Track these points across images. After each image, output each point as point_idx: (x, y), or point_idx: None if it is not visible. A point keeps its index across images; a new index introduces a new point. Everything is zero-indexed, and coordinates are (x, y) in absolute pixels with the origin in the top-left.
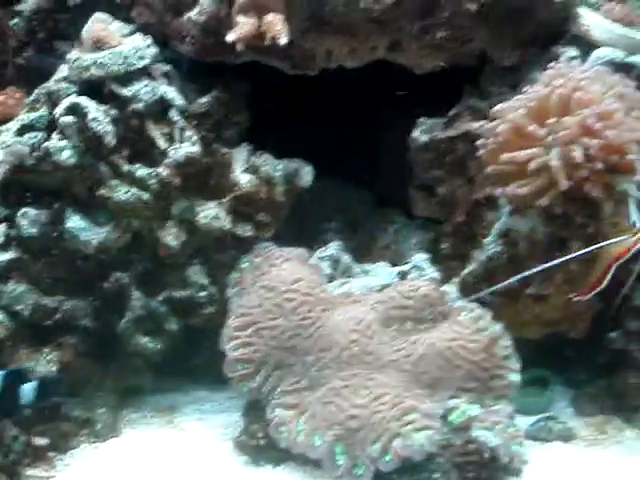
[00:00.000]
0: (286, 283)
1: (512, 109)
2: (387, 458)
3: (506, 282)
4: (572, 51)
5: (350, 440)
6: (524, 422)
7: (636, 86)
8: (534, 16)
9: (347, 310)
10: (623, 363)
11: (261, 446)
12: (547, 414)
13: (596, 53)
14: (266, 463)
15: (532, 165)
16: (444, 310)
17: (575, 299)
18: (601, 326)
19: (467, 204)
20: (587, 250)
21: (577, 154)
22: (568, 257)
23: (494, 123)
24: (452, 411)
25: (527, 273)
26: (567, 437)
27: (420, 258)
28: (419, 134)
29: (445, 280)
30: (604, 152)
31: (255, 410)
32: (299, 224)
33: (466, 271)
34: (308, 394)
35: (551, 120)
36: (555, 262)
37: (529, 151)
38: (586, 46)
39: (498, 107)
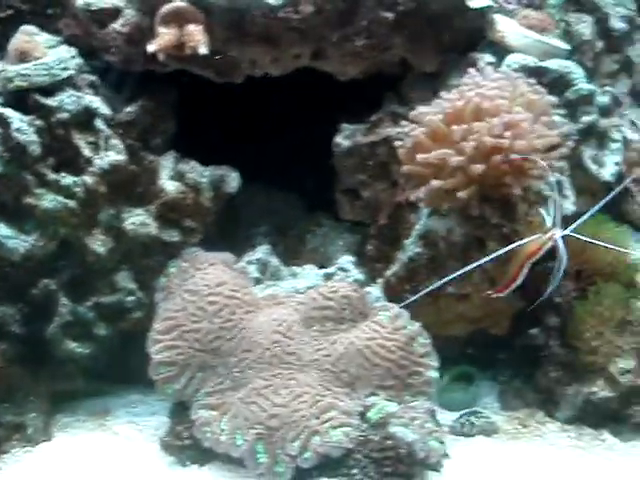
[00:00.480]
0: (209, 286)
1: (429, 114)
2: (306, 455)
3: (434, 285)
4: (489, 57)
5: (271, 439)
6: (449, 418)
7: (549, 90)
8: (451, 24)
9: (270, 312)
10: (544, 358)
11: (186, 446)
12: (471, 409)
13: (510, 59)
14: (192, 463)
15: (452, 162)
16: (364, 310)
17: (493, 296)
18: (523, 323)
19: (389, 207)
20: (503, 250)
21: (483, 150)
22: (487, 258)
23: (411, 127)
24: (370, 408)
25: (454, 275)
26: (490, 431)
27: (345, 260)
28: (342, 139)
29: (370, 281)
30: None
31: (180, 411)
32: (230, 229)
33: (389, 272)
34: (231, 394)
35: (464, 126)
36: (476, 263)
37: (441, 151)
38: (502, 52)
39: (416, 112)
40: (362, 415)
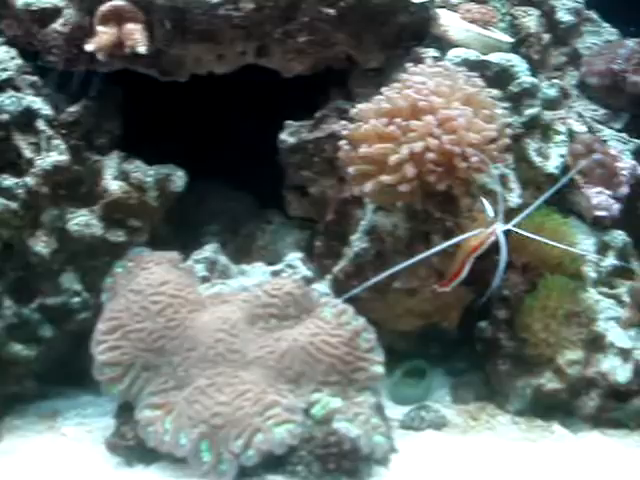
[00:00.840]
0: (153, 286)
1: (369, 111)
2: (249, 453)
3: (375, 279)
4: (433, 52)
5: (214, 437)
6: (401, 412)
7: (492, 83)
8: (396, 18)
9: (215, 310)
10: (493, 351)
11: (132, 447)
12: (422, 404)
13: (451, 53)
14: (138, 463)
15: (392, 159)
16: (308, 307)
17: (438, 290)
18: (473, 316)
19: (336, 203)
20: (444, 245)
21: (417, 147)
22: (430, 252)
23: (352, 124)
24: (314, 404)
25: (395, 269)
26: (439, 425)
27: (293, 257)
28: (287, 136)
29: (319, 277)
30: (446, 154)
31: (126, 412)
32: (181, 228)
33: (337, 268)
34: (175, 394)
35: (403, 122)
36: (418, 257)
37: (382, 146)
38: (446, 46)
39: (356, 108)
40: (306, 411)
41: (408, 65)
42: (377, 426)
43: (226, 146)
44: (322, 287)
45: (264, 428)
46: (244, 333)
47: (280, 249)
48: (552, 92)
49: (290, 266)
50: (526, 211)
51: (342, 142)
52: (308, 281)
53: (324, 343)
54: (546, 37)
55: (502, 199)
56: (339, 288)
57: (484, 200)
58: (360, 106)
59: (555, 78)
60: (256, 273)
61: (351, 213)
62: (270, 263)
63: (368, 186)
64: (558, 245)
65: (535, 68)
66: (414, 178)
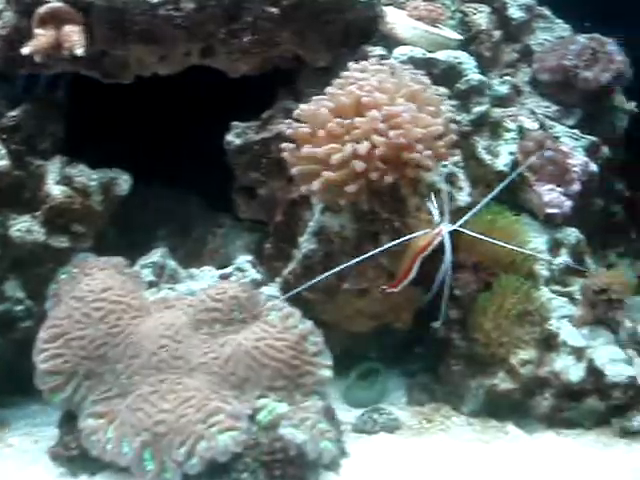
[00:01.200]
0: (95, 292)
1: (311, 110)
2: (193, 461)
3: (317, 279)
4: (380, 50)
5: (158, 445)
6: (354, 415)
7: (439, 81)
8: (342, 16)
9: (159, 316)
10: (447, 351)
11: (75, 456)
12: (374, 406)
13: (397, 51)
14: (82, 473)
15: (335, 158)
16: (254, 310)
17: (387, 291)
18: (426, 316)
19: (285, 204)
20: (388, 246)
21: (362, 147)
22: (374, 252)
23: (296, 124)
24: (260, 410)
25: (338, 269)
26: (392, 428)
27: (243, 260)
28: (233, 137)
29: (269, 280)
30: (392, 150)
31: (69, 421)
32: (130, 233)
33: (287, 270)
34: (118, 402)
35: (347, 121)
36: (362, 257)
37: (326, 146)
38: (394, 44)
39: (300, 109)
40: (252, 417)
41: (350, 63)
42: (325, 431)
43: (178, 148)
44: (271, 290)
45: (207, 435)
46: (188, 339)
47: (231, 252)
48: (503, 89)
49: (239, 269)
50: (473, 210)
51: (285, 143)
52: (257, 284)
53: (269, 347)
54: (497, 34)
55: (448, 198)
56: (289, 290)
57: (431, 200)
58: (303, 106)
59: (507, 75)
60: (205, 277)
61: (299, 214)
62: (221, 267)
63: (315, 184)
64: (504, 245)
65: (486, 65)
66: (362, 174)
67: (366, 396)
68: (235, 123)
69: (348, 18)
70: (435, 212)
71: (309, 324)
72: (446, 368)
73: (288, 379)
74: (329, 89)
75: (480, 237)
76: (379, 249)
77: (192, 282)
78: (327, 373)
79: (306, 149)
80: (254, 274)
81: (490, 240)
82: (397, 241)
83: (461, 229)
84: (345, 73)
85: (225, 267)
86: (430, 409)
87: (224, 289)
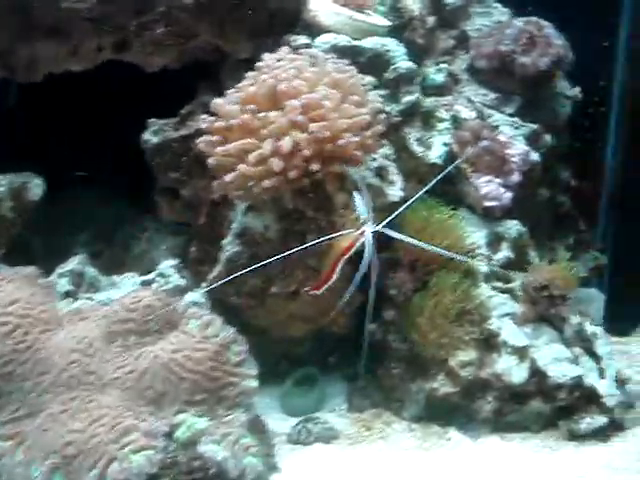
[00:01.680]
0: (0, 306)
1: (227, 103)
2: None
3: (227, 279)
4: (303, 39)
5: (68, 468)
6: (289, 425)
7: (366, 70)
8: (264, 5)
9: (72, 329)
10: (385, 354)
11: None
12: (308, 416)
13: (320, 39)
14: None
15: (252, 156)
16: (172, 319)
17: (310, 293)
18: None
19: (208, 205)
20: (303, 247)
21: (285, 145)
22: (287, 253)
23: (210, 119)
24: (178, 426)
25: (243, 272)
26: (328, 437)
27: (166, 265)
28: (150, 135)
29: (194, 285)
30: (316, 144)
31: None
32: (48, 238)
33: (212, 274)
34: (27, 423)
35: (262, 113)
36: (270, 260)
37: (240, 142)
38: (318, 33)
39: (214, 102)
40: (170, 435)
41: (266, 53)
42: (249, 446)
43: (99, 148)
44: (196, 296)
45: (120, 456)
46: (101, 352)
47: (156, 257)
48: (439, 78)
49: (162, 275)
50: (399, 209)
51: (201, 138)
52: (181, 290)
53: (187, 359)
54: (431, 20)
55: (368, 196)
56: (214, 296)
57: (356, 196)
58: (217, 100)
59: (443, 63)
60: (127, 284)
61: (223, 215)
62: (146, 273)
63: (229, 177)
64: (434, 248)
65: (421, 53)
66: (281, 172)
67: (303, 404)
68: (152, 120)
69: (271, 7)
70: (360, 210)
71: (231, 332)
72: (385, 372)
73: (208, 392)
74: (242, 81)
75: (405, 238)
76: (296, 249)
77: (114, 290)
78: (252, 384)
79: (220, 148)
80: (177, 280)
81: (413, 241)
82: (316, 241)
83: (386, 230)
84: (259, 64)
85: (150, 273)
86: (371, 415)
87: (138, 298)
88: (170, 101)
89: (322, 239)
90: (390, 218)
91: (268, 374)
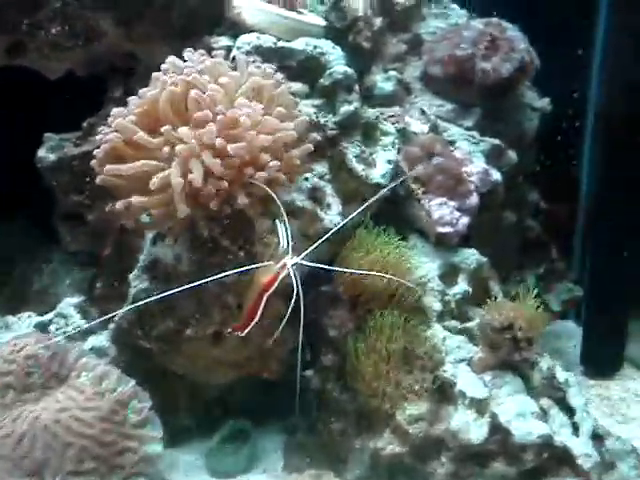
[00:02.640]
0: None
1: (121, 115)
2: None
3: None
4: (225, 40)
5: None
6: None
7: (296, 75)
8: (183, 2)
9: None
10: (324, 405)
11: None
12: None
13: (241, 40)
14: None
15: (154, 182)
16: (60, 372)
17: (233, 334)
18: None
19: (115, 232)
20: (214, 277)
21: (196, 176)
22: (192, 284)
23: (106, 131)
24: None
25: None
26: None
27: (67, 303)
28: (46, 152)
29: (99, 327)
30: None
31: None
32: None
33: (119, 315)
34: None
35: (166, 127)
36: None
37: (138, 163)
38: (243, 32)
39: (112, 113)
40: None
41: (168, 59)
42: None
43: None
44: (99, 340)
45: None
46: None
47: (60, 292)
48: (388, 86)
49: (61, 315)
50: (324, 237)
51: (96, 151)
52: (83, 333)
53: (75, 420)
54: (379, 21)
55: (286, 225)
56: (123, 339)
57: (279, 224)
58: (115, 110)
59: (393, 70)
60: (22, 326)
61: (131, 244)
62: (49, 311)
63: (119, 204)
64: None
65: (367, 59)
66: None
67: (233, 463)
68: (48, 135)
69: (190, 4)
70: (283, 239)
71: (130, 385)
72: (324, 425)
73: (99, 460)
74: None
75: (332, 268)
76: (204, 280)
77: (7, 334)
78: (155, 448)
79: (110, 167)
80: (79, 320)
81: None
82: (225, 273)
83: (307, 263)
84: (164, 65)
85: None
86: (310, 477)
87: (19, 346)
88: (79, 113)
89: (235, 271)
90: (313, 247)
91: (191, 427)
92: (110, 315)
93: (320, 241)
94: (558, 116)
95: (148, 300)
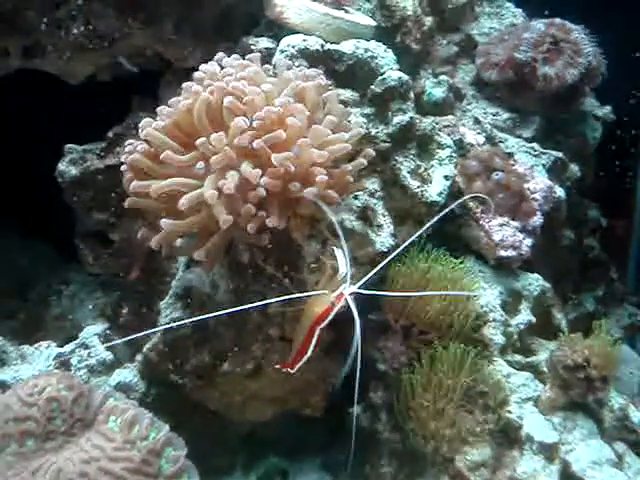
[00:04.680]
0: None
1: (151, 126)
2: None
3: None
4: (266, 42)
5: None
6: None
7: (342, 81)
8: (217, 2)
9: None
10: (373, 446)
11: None
12: None
13: (285, 42)
14: None
15: (183, 202)
16: (85, 416)
17: (283, 371)
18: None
19: (143, 254)
20: (255, 305)
21: (228, 183)
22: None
23: (135, 144)
24: None
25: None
26: None
27: (90, 332)
28: (67, 165)
29: (126, 359)
30: (278, 179)
31: None
32: None
33: (148, 345)
34: None
35: (201, 139)
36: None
37: (168, 181)
38: (284, 34)
39: (142, 122)
40: None
41: (202, 66)
42: None
43: (8, 181)
44: (126, 374)
45: None
46: None
47: (80, 319)
48: (438, 92)
49: (84, 346)
50: (385, 260)
51: (123, 167)
52: (107, 367)
53: (104, 472)
54: (429, 21)
55: (344, 249)
56: (152, 374)
57: (336, 249)
58: (145, 120)
59: (443, 74)
60: (40, 358)
61: (163, 268)
62: (67, 340)
63: (164, 223)
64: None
65: (415, 62)
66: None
67: None
68: (70, 146)
69: (225, 2)
70: (341, 266)
71: (164, 431)
72: (373, 469)
73: None
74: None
75: (397, 295)
76: (243, 307)
77: (23, 365)
78: None
79: (137, 184)
80: (103, 352)
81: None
82: (273, 300)
83: (366, 292)
84: (197, 74)
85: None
86: None
87: (40, 387)
88: (103, 122)
89: (285, 298)
90: (372, 273)
91: (225, 466)
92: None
93: (378, 267)
94: (615, 125)
95: (179, 323)
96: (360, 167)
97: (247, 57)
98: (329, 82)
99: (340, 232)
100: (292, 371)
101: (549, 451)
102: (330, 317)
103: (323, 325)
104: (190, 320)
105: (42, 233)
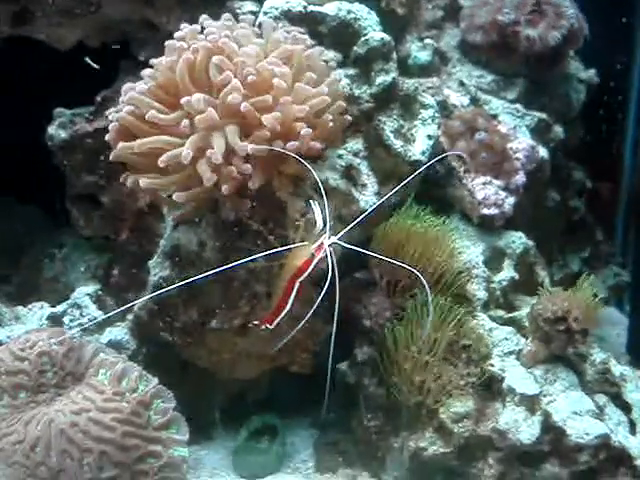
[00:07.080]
0: None
1: (134, 89)
2: None
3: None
4: (250, 5)
5: None
6: None
7: (325, 43)
8: None
9: None
10: (359, 401)
11: None
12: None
13: (268, 4)
14: None
15: (162, 159)
16: (76, 370)
17: (261, 327)
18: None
19: (133, 215)
20: (242, 261)
21: (216, 150)
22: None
23: (120, 106)
24: None
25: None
26: None
27: (81, 293)
28: (56, 129)
29: (116, 318)
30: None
31: None
32: None
33: (138, 305)
34: None
35: (185, 98)
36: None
37: (151, 139)
38: None
39: (124, 87)
40: None
41: (184, 26)
42: None
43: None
44: (118, 332)
45: None
46: None
47: (73, 280)
48: (424, 56)
49: (76, 306)
50: (363, 214)
51: (111, 125)
52: (99, 325)
53: (94, 423)
54: None
55: (324, 203)
56: (143, 332)
57: (314, 204)
58: (126, 86)
59: (429, 38)
60: (33, 318)
61: (152, 228)
62: (61, 300)
63: (144, 181)
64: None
65: (401, 26)
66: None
67: (261, 462)
68: (59, 110)
69: None
70: (319, 219)
71: (152, 384)
72: (360, 423)
73: (121, 467)
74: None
75: (371, 253)
76: (231, 264)
77: (17, 326)
78: (180, 452)
79: (123, 144)
80: (95, 311)
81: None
82: (255, 257)
83: (346, 244)
84: (178, 33)
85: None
86: (344, 477)
87: (31, 342)
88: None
89: (266, 253)
90: (351, 226)
91: (217, 423)
92: (129, 305)
93: (357, 221)
94: (601, 88)
95: (170, 288)
96: (344, 122)
97: (240, 19)
98: (313, 42)
99: (321, 185)
100: (270, 327)
101: (531, 403)
102: (310, 269)
103: (302, 278)
104: (180, 284)
105: (35, 198)
